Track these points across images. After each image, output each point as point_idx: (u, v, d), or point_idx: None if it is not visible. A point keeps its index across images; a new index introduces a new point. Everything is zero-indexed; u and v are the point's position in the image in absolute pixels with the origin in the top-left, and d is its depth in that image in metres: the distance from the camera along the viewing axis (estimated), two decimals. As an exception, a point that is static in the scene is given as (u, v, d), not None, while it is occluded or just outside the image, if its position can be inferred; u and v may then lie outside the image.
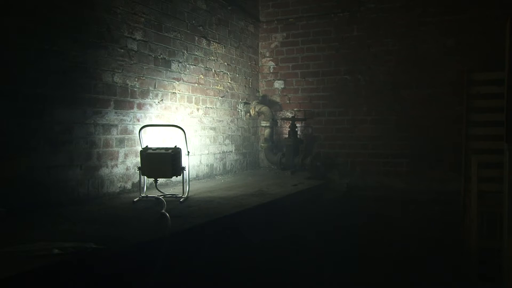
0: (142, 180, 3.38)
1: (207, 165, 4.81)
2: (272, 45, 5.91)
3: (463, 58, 4.86)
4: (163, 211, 2.61)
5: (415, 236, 4.81)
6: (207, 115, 4.79)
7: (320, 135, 5.65)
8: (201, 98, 4.68)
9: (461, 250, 4.49)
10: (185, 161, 3.29)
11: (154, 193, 3.39)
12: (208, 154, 4.82)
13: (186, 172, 3.28)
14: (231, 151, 5.29)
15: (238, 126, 5.43)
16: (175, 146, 3.23)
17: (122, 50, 3.61)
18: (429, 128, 5.07)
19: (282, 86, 5.86)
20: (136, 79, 3.77)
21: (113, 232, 2.24)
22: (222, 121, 5.08)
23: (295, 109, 5.76)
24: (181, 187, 3.41)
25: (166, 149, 3.20)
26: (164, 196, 3.32)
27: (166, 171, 3.09)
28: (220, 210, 2.85)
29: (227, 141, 5.19)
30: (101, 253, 1.78)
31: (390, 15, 5.23)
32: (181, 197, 3.25)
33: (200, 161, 4.70)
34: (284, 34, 5.83)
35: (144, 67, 3.86)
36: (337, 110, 5.54)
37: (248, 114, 5.57)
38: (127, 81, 3.67)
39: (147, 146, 3.42)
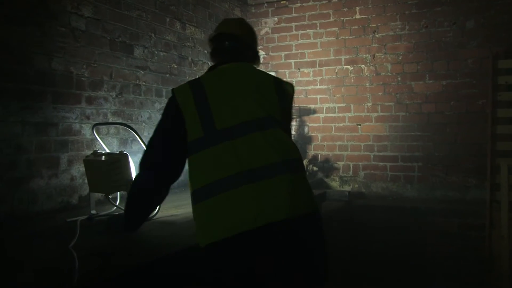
0: (92, 194, 2.63)
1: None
2: (262, 32, 5.14)
3: (487, 42, 4.10)
4: (70, 246, 1.83)
5: (430, 254, 4.04)
6: (182, 112, 4.02)
7: (317, 135, 4.88)
8: (174, 91, 3.91)
9: (488, 273, 3.72)
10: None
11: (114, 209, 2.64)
12: (183, 158, 4.05)
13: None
14: (213, 154, 4.51)
15: (222, 125, 4.66)
16: (120, 151, 2.46)
17: (64, 29, 2.85)
18: (445, 126, 4.31)
19: (274, 79, 5.09)
20: (85, 66, 3.01)
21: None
22: (202, 119, 4.31)
23: (289, 105, 4.99)
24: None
25: (110, 155, 2.44)
26: (110, 216, 2.55)
27: (103, 184, 2.33)
28: (175, 240, 2.09)
29: (208, 143, 4.42)
30: None
31: (399, -6, 4.47)
32: (130, 218, 2.47)
33: (174, 167, 3.93)
34: (276, 18, 5.07)
35: (96, 52, 3.10)
36: (337, 106, 4.78)
37: (234, 111, 4.80)
38: (71, 68, 2.91)
39: (95, 150, 2.67)
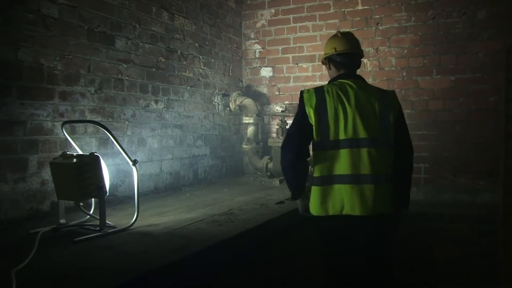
0: (61, 202, 2.34)
1: (170, 174, 3.75)
2: (258, 24, 4.84)
3: (500, 34, 3.80)
4: (13, 272, 1.52)
5: (436, 264, 3.74)
6: (170, 109, 3.73)
7: (316, 134, 4.58)
8: (161, 87, 3.62)
9: (500, 283, 3.43)
10: (121, 175, 2.22)
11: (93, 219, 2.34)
12: (172, 159, 3.76)
13: (106, 192, 2.20)
14: (205, 155, 4.23)
15: (215, 123, 4.37)
16: (91, 153, 2.17)
17: (32, 16, 2.56)
18: (454, 125, 4.01)
19: (270, 74, 4.80)
20: (58, 58, 2.72)
21: None
22: (192, 116, 4.02)
23: (286, 102, 4.70)
24: (142, 204, 2.36)
25: (80, 157, 2.15)
26: (82, 226, 2.27)
27: (71, 191, 2.04)
28: (147, 257, 1.80)
29: (199, 142, 4.13)
30: None
31: (404, -17, 4.16)
32: (101, 229, 2.17)
33: (161, 169, 3.64)
34: (273, 10, 4.77)
35: (71, 42, 2.81)
36: (338, 103, 4.47)
37: (228, 108, 4.50)
38: (42, 60, 2.62)
39: (64, 152, 2.38)
